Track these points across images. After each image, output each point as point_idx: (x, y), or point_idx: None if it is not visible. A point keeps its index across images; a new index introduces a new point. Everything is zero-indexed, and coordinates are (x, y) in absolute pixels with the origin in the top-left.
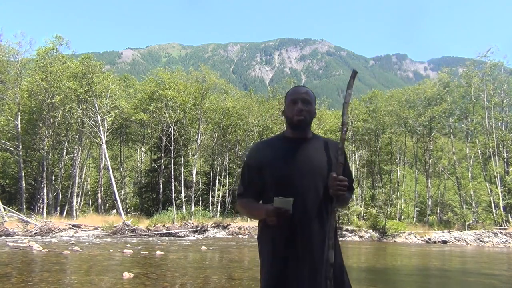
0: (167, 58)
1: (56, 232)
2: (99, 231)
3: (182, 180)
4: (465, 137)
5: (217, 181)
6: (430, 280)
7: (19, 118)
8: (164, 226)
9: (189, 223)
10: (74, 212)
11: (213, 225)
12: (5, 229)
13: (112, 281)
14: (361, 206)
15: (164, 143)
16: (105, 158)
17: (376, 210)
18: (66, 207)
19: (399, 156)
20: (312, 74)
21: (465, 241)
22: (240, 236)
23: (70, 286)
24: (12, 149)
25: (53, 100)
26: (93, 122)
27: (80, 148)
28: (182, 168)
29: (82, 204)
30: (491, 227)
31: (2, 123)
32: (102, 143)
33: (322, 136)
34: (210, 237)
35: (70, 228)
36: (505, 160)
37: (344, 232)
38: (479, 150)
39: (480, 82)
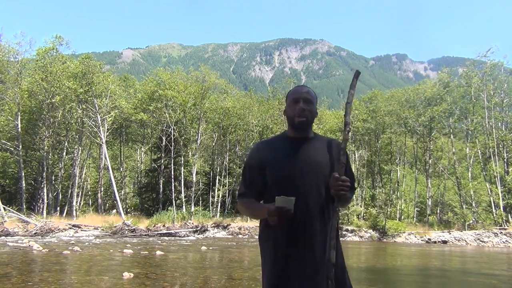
0: (167, 58)
1: (56, 232)
2: (99, 231)
3: (182, 180)
4: (465, 137)
5: (217, 181)
6: (430, 280)
7: (19, 118)
8: (164, 226)
9: (189, 223)
10: (74, 212)
11: (213, 225)
12: (5, 229)
13: (112, 281)
14: (361, 206)
15: (164, 143)
16: (105, 158)
17: (376, 210)
18: (66, 207)
19: (399, 156)
20: (312, 74)
21: (465, 241)
22: (240, 236)
23: (70, 286)
24: (12, 149)
25: (53, 100)
26: (93, 122)
27: (80, 148)
28: (182, 168)
29: (82, 204)
30: (491, 227)
31: (2, 123)
32: (102, 143)
33: (323, 135)
34: (210, 237)
35: (70, 228)
36: (505, 160)
37: (344, 232)
38: (479, 150)
39: (480, 82)
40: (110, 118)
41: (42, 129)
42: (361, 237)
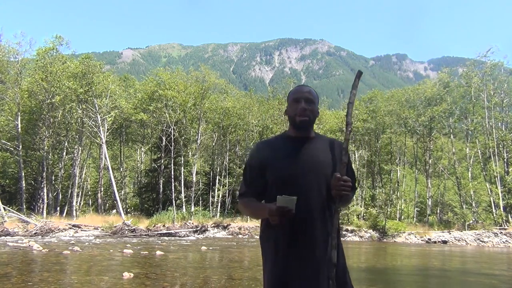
0: (167, 58)
1: (56, 232)
2: (99, 231)
3: (182, 180)
4: (465, 137)
5: (217, 181)
6: (430, 280)
7: (19, 118)
8: (164, 226)
9: (189, 223)
10: (74, 212)
11: (213, 225)
12: (5, 229)
13: (112, 281)
14: (361, 206)
15: (164, 143)
16: (105, 158)
17: (376, 210)
18: (66, 207)
19: (399, 156)
20: (312, 74)
21: (465, 241)
22: (240, 236)
23: (70, 286)
24: (12, 149)
25: (53, 100)
26: (93, 122)
27: (80, 148)
28: (182, 168)
29: (82, 204)
30: (491, 227)
31: (2, 123)
32: (102, 143)
33: (325, 135)
34: (210, 237)
35: (70, 228)
36: (505, 160)
37: (344, 232)
38: (479, 150)
39: (480, 82)
40: (110, 118)
41: (42, 129)
42: (361, 237)
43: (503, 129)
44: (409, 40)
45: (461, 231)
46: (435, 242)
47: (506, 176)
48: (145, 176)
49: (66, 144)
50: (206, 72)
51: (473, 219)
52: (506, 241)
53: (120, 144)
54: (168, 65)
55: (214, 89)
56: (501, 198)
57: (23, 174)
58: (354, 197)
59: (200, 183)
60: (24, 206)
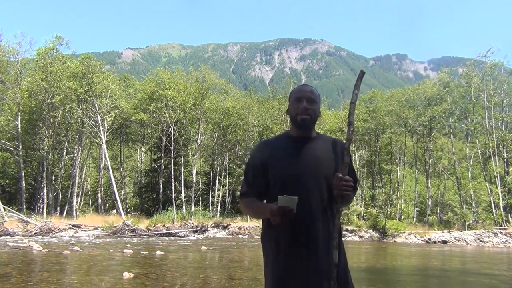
0: (167, 58)
1: (56, 232)
2: (99, 231)
3: (182, 180)
4: (465, 137)
5: (217, 181)
6: (430, 280)
7: (19, 118)
8: (164, 226)
9: (189, 223)
10: (74, 212)
11: (213, 225)
12: (5, 229)
13: (112, 281)
14: (361, 206)
15: (164, 143)
16: (105, 158)
17: (376, 210)
18: (66, 207)
19: (399, 156)
20: (312, 74)
21: (465, 241)
22: (240, 236)
23: (70, 286)
24: (12, 149)
25: (53, 100)
26: (93, 122)
27: (80, 148)
28: (182, 168)
29: (82, 204)
30: (491, 227)
31: (2, 123)
32: (102, 143)
33: (327, 135)
34: (210, 237)
35: (70, 228)
36: (505, 160)
37: (344, 232)
38: (479, 150)
39: (480, 82)
40: (110, 118)
41: (42, 129)
42: (361, 237)
43: (503, 129)
44: (409, 40)
45: (461, 231)
46: (435, 242)
47: (506, 176)
48: (145, 176)
49: (66, 144)
50: (206, 72)
51: (473, 219)
52: (506, 241)
53: (120, 144)
54: (168, 65)
55: (214, 89)
56: (501, 198)
57: (23, 174)
58: (354, 197)
59: (200, 183)
60: (24, 206)
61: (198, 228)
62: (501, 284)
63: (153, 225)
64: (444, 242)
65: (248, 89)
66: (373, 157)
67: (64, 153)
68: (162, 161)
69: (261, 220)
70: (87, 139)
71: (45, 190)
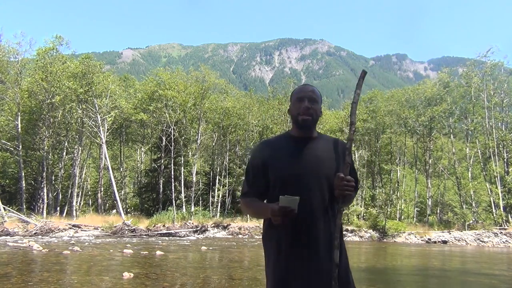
0: (167, 58)
1: (56, 232)
2: (99, 231)
3: (182, 180)
4: (465, 137)
5: (217, 181)
6: (430, 280)
7: (19, 118)
8: (164, 226)
9: (189, 223)
10: (74, 212)
11: (213, 225)
12: (5, 229)
13: (112, 281)
14: (361, 206)
15: (164, 143)
16: (105, 158)
17: (376, 210)
18: (66, 207)
19: (399, 156)
20: (312, 74)
21: (465, 241)
22: (240, 236)
23: (70, 286)
24: (12, 149)
25: (53, 100)
26: (93, 122)
27: (80, 148)
28: (182, 168)
29: (82, 204)
30: (491, 227)
31: (2, 123)
32: (102, 143)
33: (328, 135)
34: (210, 237)
35: (70, 228)
36: (505, 160)
37: (344, 232)
38: (479, 150)
39: (480, 82)
40: (110, 118)
41: (42, 129)
42: (361, 237)
43: (503, 129)
44: (409, 40)
45: (461, 231)
46: (435, 242)
47: (506, 176)
48: (145, 176)
49: (66, 144)
50: (206, 72)
51: (473, 219)
52: (506, 241)
53: (120, 144)
54: (168, 65)
55: (214, 89)
56: (501, 198)
57: (23, 174)
58: (355, 197)
59: (200, 183)
60: (24, 206)
61: (198, 228)
62: (501, 284)
63: (153, 225)
64: (444, 242)
65: (248, 89)
66: (373, 157)
67: (64, 153)
68: (162, 161)
69: (261, 220)
70: (87, 139)
71: (45, 190)
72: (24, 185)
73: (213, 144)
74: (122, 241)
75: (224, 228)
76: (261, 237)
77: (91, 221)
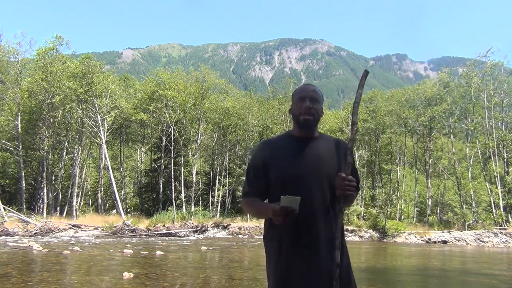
0: (167, 58)
1: (56, 232)
2: (99, 231)
3: (182, 180)
4: (465, 137)
5: (217, 181)
6: (430, 280)
7: (19, 118)
8: (164, 226)
9: (189, 223)
10: (74, 212)
11: (213, 225)
12: (5, 229)
13: (112, 281)
14: (361, 206)
15: (164, 143)
16: (105, 158)
17: (376, 210)
18: (66, 207)
19: (399, 156)
20: (312, 74)
21: (465, 241)
22: (240, 236)
23: (70, 286)
24: (12, 149)
25: (53, 100)
26: (93, 122)
27: (80, 148)
28: (182, 168)
29: (82, 204)
30: (491, 227)
31: (2, 123)
32: (102, 143)
33: (329, 135)
34: (210, 237)
35: (70, 228)
36: (505, 160)
37: (344, 232)
38: (479, 150)
39: (480, 82)
40: (110, 118)
41: (42, 129)
42: (361, 237)
43: (503, 129)
44: (409, 40)
45: (461, 231)
46: (435, 242)
47: (506, 176)
48: (145, 176)
49: (66, 144)
50: (206, 72)
51: (473, 219)
52: (506, 241)
53: (120, 144)
54: (168, 65)
55: (214, 89)
56: (501, 198)
57: (23, 174)
58: (356, 198)
59: (200, 183)
60: (24, 206)
61: (198, 228)
62: (501, 284)
63: (153, 225)
64: (444, 242)
65: (248, 89)
66: (373, 157)
67: (64, 153)
68: (162, 161)
69: (261, 220)
70: (87, 139)
71: (45, 190)
72: (24, 185)
73: (213, 144)
74: (122, 241)
75: (224, 228)
76: (261, 237)
77: (91, 221)
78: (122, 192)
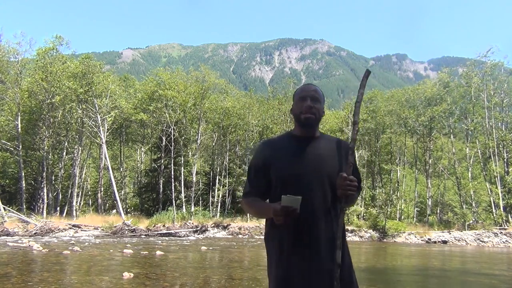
0: (167, 58)
1: (56, 232)
2: (99, 231)
3: (182, 180)
4: (465, 137)
5: (217, 181)
6: (430, 280)
7: (19, 118)
8: (164, 226)
9: (189, 223)
10: (74, 212)
11: (213, 225)
12: (5, 229)
13: (112, 281)
14: (361, 206)
15: (164, 143)
16: (105, 158)
17: (376, 210)
18: (66, 207)
19: (399, 156)
20: (312, 74)
21: (465, 241)
22: (240, 236)
23: (70, 286)
24: (12, 149)
25: (53, 100)
26: (93, 122)
27: (80, 148)
28: (182, 168)
29: (82, 204)
30: (491, 227)
31: (2, 123)
32: (102, 143)
33: (330, 135)
34: (210, 237)
35: (70, 228)
36: (505, 160)
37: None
38: (479, 150)
39: (480, 82)
40: (110, 118)
41: (42, 129)
42: (361, 237)
43: (503, 129)
44: (409, 40)
45: (461, 231)
46: (435, 242)
47: (506, 176)
48: (145, 176)
49: (66, 144)
50: (206, 72)
51: (473, 219)
52: (506, 241)
53: (120, 144)
54: (168, 65)
55: (214, 89)
56: (501, 198)
57: (23, 174)
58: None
59: (200, 183)
60: (24, 206)
61: (198, 228)
62: (501, 284)
63: (153, 225)
64: (444, 242)
65: (248, 89)
66: (373, 157)
67: (64, 153)
68: (162, 161)
69: (261, 220)
70: (87, 139)
71: (45, 190)
72: (24, 185)
73: (213, 144)
74: (122, 241)
75: (224, 228)
76: (261, 237)
77: (91, 221)
78: (122, 192)
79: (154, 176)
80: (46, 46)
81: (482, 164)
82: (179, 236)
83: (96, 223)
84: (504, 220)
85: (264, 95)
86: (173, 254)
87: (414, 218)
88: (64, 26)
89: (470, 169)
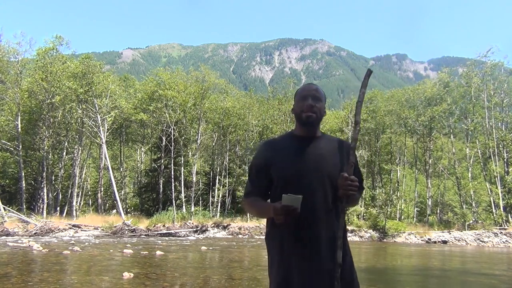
0: (167, 58)
1: (56, 232)
2: (99, 231)
3: (182, 180)
4: (465, 137)
5: (217, 181)
6: (430, 280)
7: (19, 118)
8: (164, 226)
9: (189, 223)
10: (74, 212)
11: (213, 225)
12: (5, 229)
13: (112, 281)
14: (361, 206)
15: (164, 143)
16: (105, 158)
17: (376, 210)
18: (66, 207)
19: (399, 156)
20: (312, 74)
21: (465, 241)
22: (240, 236)
23: (70, 286)
24: (12, 149)
25: (53, 100)
26: (93, 122)
27: (80, 148)
28: (182, 168)
29: (82, 204)
30: (491, 227)
31: (2, 123)
32: (102, 143)
33: (331, 135)
34: (210, 237)
35: (70, 228)
36: (505, 160)
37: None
38: (479, 150)
39: (480, 82)
40: (110, 118)
41: (42, 129)
42: (361, 237)
43: (503, 129)
44: (409, 40)
45: (461, 231)
46: (435, 242)
47: (506, 176)
48: (145, 176)
49: (66, 144)
50: (206, 72)
51: (473, 219)
52: (506, 241)
53: (120, 144)
54: (168, 65)
55: (214, 89)
56: (501, 198)
57: (23, 174)
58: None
59: (200, 183)
60: (24, 206)
61: (198, 228)
62: (501, 284)
63: (153, 225)
64: (444, 242)
65: (248, 89)
66: (373, 157)
67: (64, 153)
68: (162, 161)
69: (261, 220)
70: (87, 139)
71: (45, 190)
72: (24, 185)
73: (213, 144)
74: (122, 241)
75: (224, 228)
76: (261, 237)
77: (91, 221)
78: (122, 192)
79: (154, 176)
80: (46, 46)
81: (482, 164)
82: (179, 236)
83: (96, 223)
84: (504, 220)
85: (264, 95)
86: (173, 254)
87: (414, 218)
88: (64, 26)
89: (470, 169)
